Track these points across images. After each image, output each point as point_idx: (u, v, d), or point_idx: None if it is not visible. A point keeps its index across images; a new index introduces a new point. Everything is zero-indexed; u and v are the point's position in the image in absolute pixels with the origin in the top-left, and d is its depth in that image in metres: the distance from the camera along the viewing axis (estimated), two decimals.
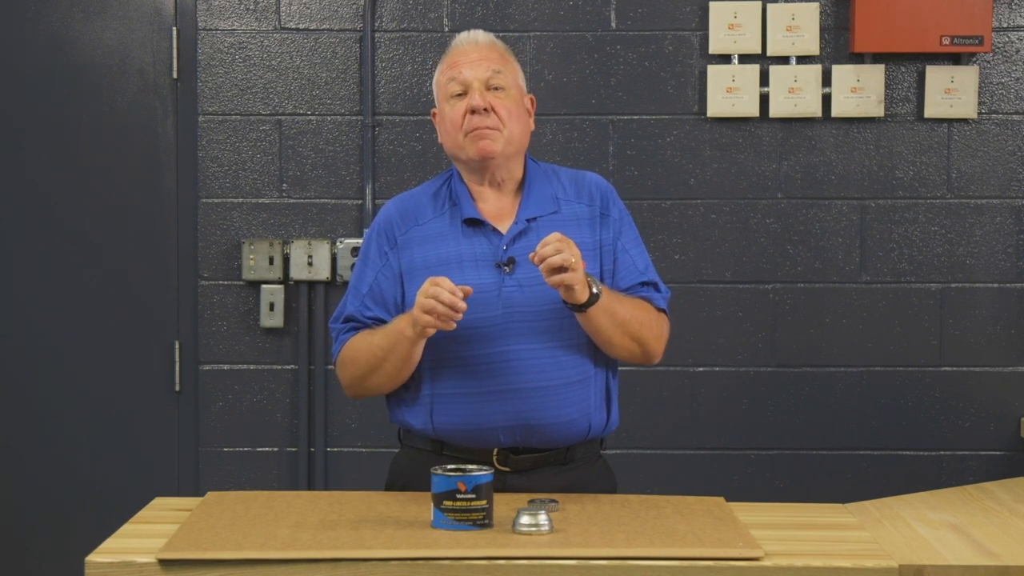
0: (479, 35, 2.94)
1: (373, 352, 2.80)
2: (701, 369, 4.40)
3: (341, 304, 2.93)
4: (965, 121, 4.35)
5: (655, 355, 2.89)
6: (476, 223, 2.87)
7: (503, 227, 2.87)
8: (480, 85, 2.86)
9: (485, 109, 2.84)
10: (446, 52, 2.94)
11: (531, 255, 2.70)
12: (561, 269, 2.66)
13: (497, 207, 2.90)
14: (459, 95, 2.87)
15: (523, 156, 2.94)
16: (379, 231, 2.92)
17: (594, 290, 2.72)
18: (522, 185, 2.92)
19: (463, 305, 2.65)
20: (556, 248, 2.65)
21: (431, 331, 2.69)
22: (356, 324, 2.88)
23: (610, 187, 2.96)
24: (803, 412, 4.39)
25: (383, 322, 2.86)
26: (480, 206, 2.89)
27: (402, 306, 2.86)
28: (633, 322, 2.81)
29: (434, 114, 2.96)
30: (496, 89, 2.87)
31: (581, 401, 2.83)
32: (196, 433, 4.42)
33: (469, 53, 2.89)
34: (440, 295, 2.64)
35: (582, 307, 2.72)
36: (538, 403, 2.78)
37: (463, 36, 2.94)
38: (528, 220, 2.86)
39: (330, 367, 4.38)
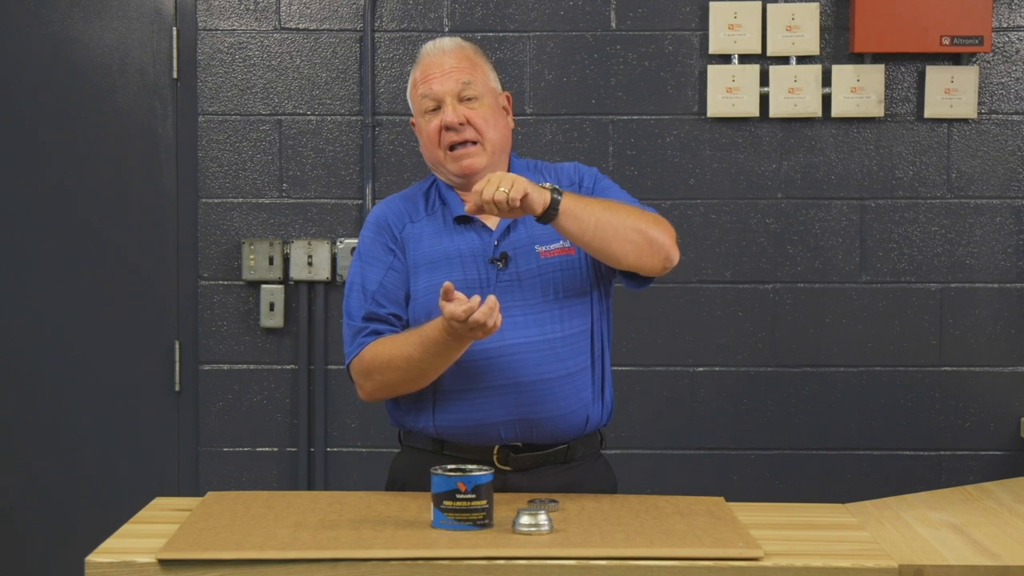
0: (445, 43, 2.92)
1: (418, 368, 2.74)
2: (701, 369, 4.40)
3: (349, 304, 2.88)
4: (965, 121, 4.35)
5: (665, 246, 2.76)
6: (466, 220, 2.87)
7: (492, 223, 2.87)
8: (452, 99, 2.84)
9: (460, 124, 2.84)
10: (415, 63, 2.93)
11: (471, 207, 2.66)
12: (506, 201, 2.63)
13: None
14: (433, 110, 2.87)
15: (507, 156, 2.94)
16: (377, 230, 2.91)
17: (550, 187, 2.68)
18: None
19: (492, 301, 2.61)
20: (487, 194, 2.61)
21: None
22: (377, 324, 2.83)
23: (588, 168, 2.95)
24: (803, 412, 4.39)
25: (399, 318, 2.85)
26: (468, 206, 2.89)
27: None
28: (618, 207, 2.75)
29: (413, 123, 2.96)
30: (469, 99, 2.86)
31: (579, 393, 2.82)
32: (196, 433, 4.42)
33: (439, 64, 2.87)
34: (480, 319, 2.61)
35: (552, 209, 2.67)
36: (537, 396, 2.78)
37: (429, 46, 2.92)
38: None
39: (331, 367, 4.38)
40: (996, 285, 4.37)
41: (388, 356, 2.77)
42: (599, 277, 2.89)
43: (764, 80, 4.32)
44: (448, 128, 2.84)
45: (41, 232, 4.43)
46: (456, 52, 2.90)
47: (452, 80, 2.86)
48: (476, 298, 2.60)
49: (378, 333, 2.82)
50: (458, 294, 2.62)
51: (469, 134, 2.84)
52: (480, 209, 2.67)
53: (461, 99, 2.85)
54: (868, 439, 4.38)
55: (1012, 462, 4.36)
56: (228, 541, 2.43)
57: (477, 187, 2.66)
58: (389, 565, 2.33)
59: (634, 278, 2.88)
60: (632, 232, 2.74)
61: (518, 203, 2.63)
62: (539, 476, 2.83)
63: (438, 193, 2.93)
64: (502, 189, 2.62)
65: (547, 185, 2.69)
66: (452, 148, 2.86)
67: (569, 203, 2.69)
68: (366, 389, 2.84)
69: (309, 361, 4.40)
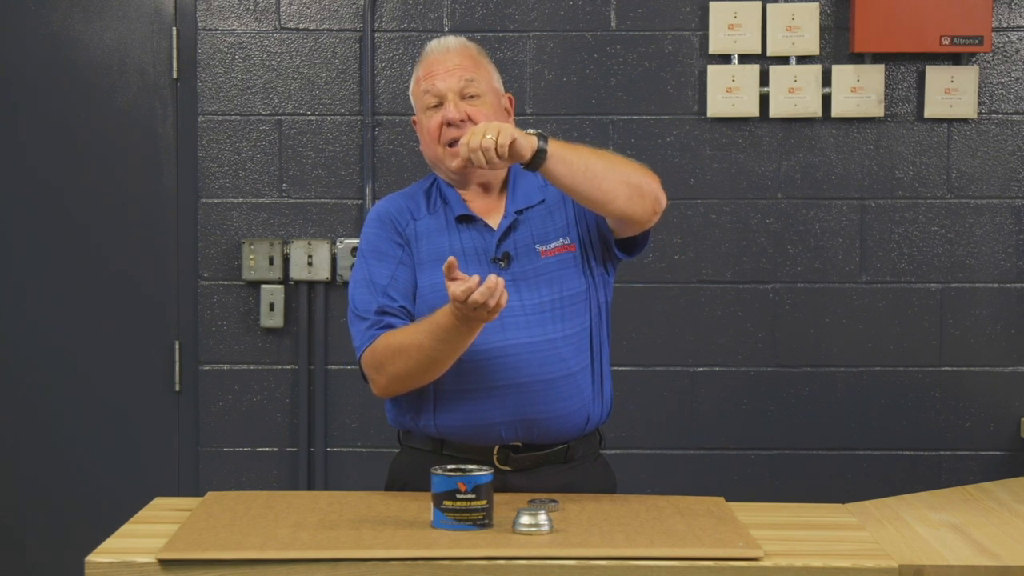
0: (450, 41, 2.92)
1: (429, 356, 2.71)
2: (701, 369, 4.40)
3: (356, 300, 2.85)
4: (965, 121, 4.35)
5: (654, 188, 2.76)
6: (468, 219, 2.87)
7: (493, 222, 2.87)
8: (454, 96, 2.85)
9: (461, 120, 2.83)
10: (419, 61, 2.93)
11: (458, 163, 2.68)
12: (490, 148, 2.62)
13: (484, 204, 2.90)
14: (435, 107, 2.87)
15: None
16: (381, 225, 2.90)
17: (534, 132, 2.67)
18: (507, 182, 2.92)
19: (492, 281, 2.59)
20: (473, 142, 2.61)
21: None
22: (389, 317, 2.81)
23: None
24: (803, 412, 4.39)
25: (409, 312, 2.83)
26: (469, 205, 2.89)
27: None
28: (604, 153, 2.76)
29: (414, 122, 2.96)
30: (471, 97, 2.86)
31: (580, 392, 2.82)
32: (196, 433, 4.42)
33: (443, 62, 2.88)
34: (479, 300, 2.59)
35: (541, 152, 2.66)
36: (539, 397, 2.78)
37: (434, 44, 2.92)
38: (517, 212, 2.87)
39: (331, 367, 4.38)
40: (996, 285, 4.37)
41: (399, 345, 2.74)
42: (599, 270, 2.89)
43: (764, 80, 4.32)
44: (449, 124, 2.84)
45: (40, 232, 4.43)
46: (460, 51, 2.90)
47: (455, 77, 2.86)
48: (475, 277, 2.59)
49: (390, 326, 2.80)
50: (460, 273, 2.62)
51: (468, 130, 2.84)
52: (468, 163, 2.66)
53: (463, 96, 2.86)
54: (868, 439, 4.38)
55: (1012, 462, 4.36)
56: (228, 541, 2.43)
57: (463, 139, 2.65)
58: (389, 565, 2.33)
59: (629, 245, 2.88)
60: (621, 175, 2.74)
61: (507, 150, 2.62)
62: (539, 476, 2.83)
63: (439, 192, 2.93)
64: (489, 136, 2.62)
65: (531, 131, 2.69)
66: (452, 145, 2.86)
67: (557, 147, 2.69)
68: (379, 383, 2.81)
69: (309, 361, 4.40)
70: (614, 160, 2.77)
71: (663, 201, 2.80)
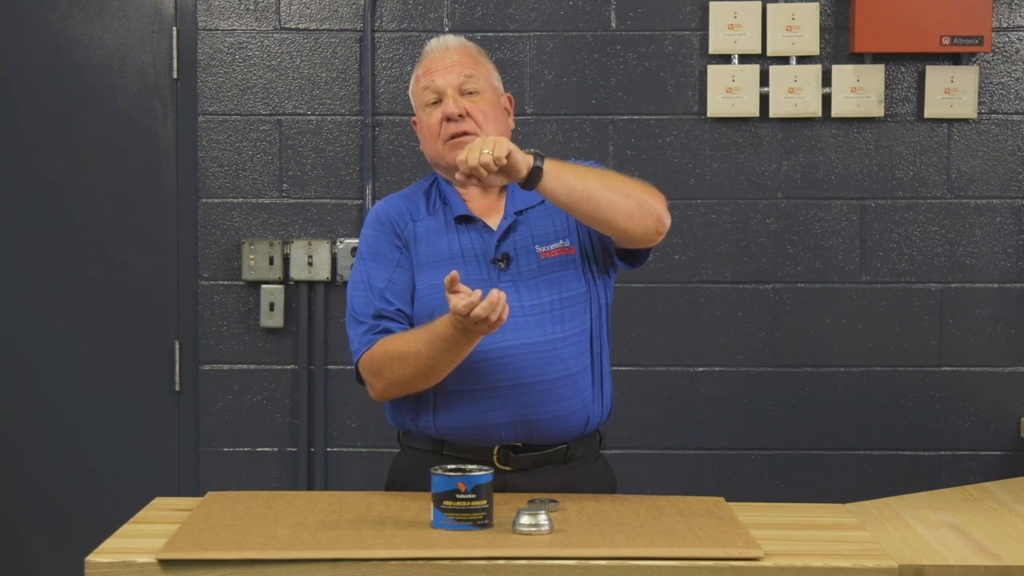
0: (449, 40, 2.93)
1: (427, 365, 2.71)
2: (701, 369, 4.40)
3: (354, 303, 2.86)
4: (965, 121, 4.35)
5: (657, 208, 2.75)
6: (467, 220, 2.87)
7: (493, 223, 2.87)
8: (453, 92, 2.85)
9: (460, 115, 2.84)
10: (419, 60, 2.94)
11: (460, 175, 2.67)
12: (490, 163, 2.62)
13: (484, 204, 2.90)
14: (434, 103, 2.87)
15: None
16: (380, 227, 2.91)
17: (532, 152, 2.68)
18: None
19: (495, 296, 2.59)
20: (471, 160, 2.61)
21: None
22: (387, 322, 2.82)
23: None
24: (803, 412, 4.39)
25: (407, 316, 2.83)
26: (468, 205, 2.89)
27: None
28: (604, 172, 2.76)
29: (415, 122, 2.96)
30: (470, 93, 2.87)
31: (580, 393, 2.82)
32: (196, 433, 4.42)
33: (442, 59, 2.89)
34: (481, 315, 2.59)
35: (537, 169, 2.67)
36: (539, 398, 2.78)
37: (433, 43, 2.94)
38: (516, 213, 2.87)
39: (331, 367, 4.38)
40: (996, 285, 4.37)
41: (398, 352, 2.75)
42: (599, 274, 2.89)
43: (764, 80, 4.32)
44: (448, 119, 2.84)
45: (41, 232, 4.43)
46: (459, 48, 2.92)
47: (454, 73, 2.87)
48: (478, 292, 2.59)
49: (388, 331, 2.80)
50: (462, 286, 2.62)
51: (468, 126, 2.84)
52: (469, 177, 2.65)
53: (462, 92, 2.86)
54: (868, 439, 4.38)
55: (1012, 462, 4.36)
56: (228, 541, 2.43)
57: (461, 156, 2.65)
58: (389, 565, 2.33)
59: (631, 257, 2.88)
60: (621, 195, 2.73)
61: (504, 160, 2.62)
62: (539, 476, 2.83)
63: (439, 192, 2.93)
64: (486, 151, 2.62)
65: (530, 150, 2.69)
66: (453, 138, 2.86)
67: (553, 165, 2.69)
68: (377, 388, 2.81)
69: (309, 361, 4.40)
70: (614, 180, 2.76)
71: (667, 221, 2.78)
